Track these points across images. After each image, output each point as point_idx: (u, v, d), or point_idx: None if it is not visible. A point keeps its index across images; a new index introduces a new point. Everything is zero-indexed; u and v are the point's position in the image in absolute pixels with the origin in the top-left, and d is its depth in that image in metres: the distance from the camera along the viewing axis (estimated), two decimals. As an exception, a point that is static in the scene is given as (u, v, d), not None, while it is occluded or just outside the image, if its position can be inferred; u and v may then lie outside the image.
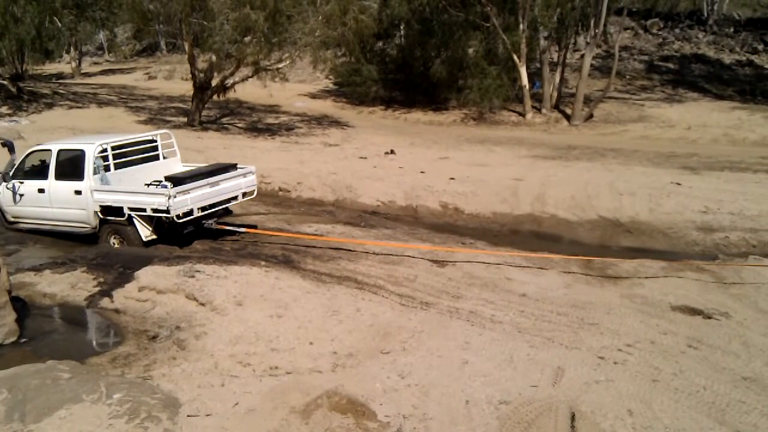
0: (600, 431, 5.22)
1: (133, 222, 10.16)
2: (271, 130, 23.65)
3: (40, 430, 5.11)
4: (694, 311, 7.86)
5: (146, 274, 8.63)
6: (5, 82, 27.17)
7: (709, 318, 7.67)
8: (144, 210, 9.98)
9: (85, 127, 21.05)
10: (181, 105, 27.15)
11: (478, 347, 6.74)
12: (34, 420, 5.22)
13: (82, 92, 30.46)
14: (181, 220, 9.93)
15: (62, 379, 5.85)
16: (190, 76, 23.83)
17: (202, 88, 23.18)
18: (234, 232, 11.01)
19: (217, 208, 10.77)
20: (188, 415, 5.39)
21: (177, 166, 11.69)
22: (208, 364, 6.38)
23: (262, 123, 25.22)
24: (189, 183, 10.13)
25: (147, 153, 11.45)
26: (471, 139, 21.67)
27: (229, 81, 23.10)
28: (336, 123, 25.67)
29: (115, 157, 10.73)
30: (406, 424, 5.32)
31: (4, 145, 11.33)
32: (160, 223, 10.25)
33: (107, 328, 7.76)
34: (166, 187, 9.96)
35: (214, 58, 22.15)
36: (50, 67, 41.50)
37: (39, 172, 10.99)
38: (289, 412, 5.43)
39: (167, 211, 9.69)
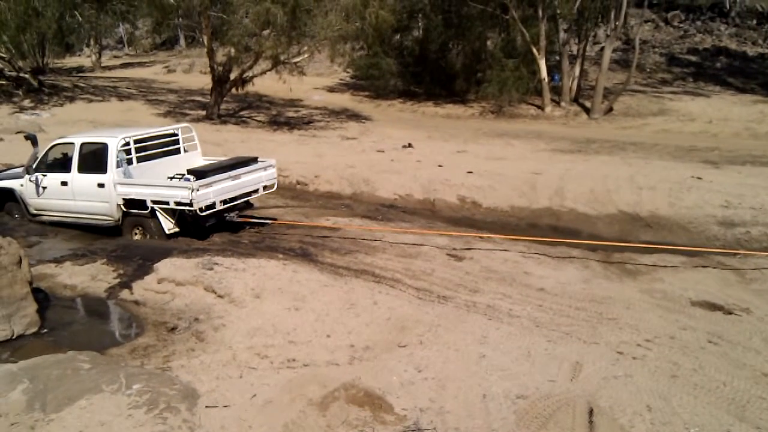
0: (618, 427, 5.20)
1: (156, 215, 10.26)
2: (289, 124, 23.69)
3: (60, 419, 5.17)
4: (714, 306, 7.79)
5: (165, 267, 8.69)
6: (27, 76, 27.36)
7: (730, 313, 7.60)
8: (167, 203, 10.08)
9: (106, 121, 21.22)
10: (200, 98, 27.27)
11: (496, 341, 6.73)
12: (54, 409, 5.28)
13: (102, 85, 30.67)
14: (203, 213, 10.02)
15: (82, 370, 5.91)
16: (209, 69, 23.94)
17: (220, 82, 23.26)
18: (256, 224, 11.11)
19: (238, 201, 10.88)
20: (206, 406, 5.44)
21: (198, 160, 11.78)
22: (227, 356, 6.42)
23: (280, 116, 25.26)
24: (211, 176, 10.22)
25: (168, 146, 11.54)
26: (489, 133, 21.56)
27: (248, 74, 23.16)
28: (354, 116, 25.64)
29: (137, 150, 10.82)
30: (423, 417, 5.32)
31: (27, 138, 11.45)
32: (183, 216, 10.34)
33: (127, 319, 7.83)
34: (188, 180, 10.04)
35: (232, 51, 22.20)
36: (71, 61, 41.85)
37: (62, 165, 11.09)
38: (307, 404, 5.45)
39: (190, 204, 9.79)
